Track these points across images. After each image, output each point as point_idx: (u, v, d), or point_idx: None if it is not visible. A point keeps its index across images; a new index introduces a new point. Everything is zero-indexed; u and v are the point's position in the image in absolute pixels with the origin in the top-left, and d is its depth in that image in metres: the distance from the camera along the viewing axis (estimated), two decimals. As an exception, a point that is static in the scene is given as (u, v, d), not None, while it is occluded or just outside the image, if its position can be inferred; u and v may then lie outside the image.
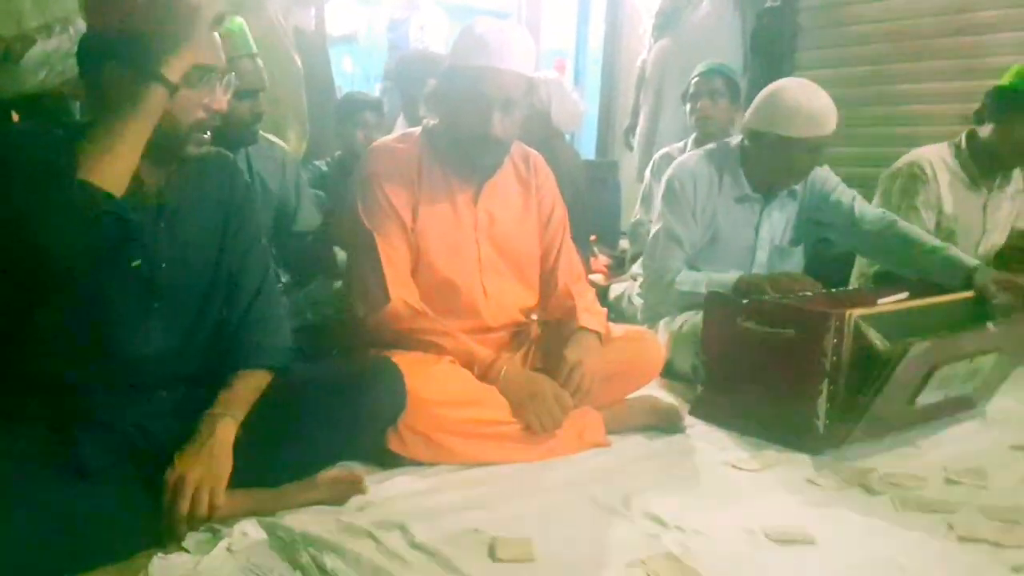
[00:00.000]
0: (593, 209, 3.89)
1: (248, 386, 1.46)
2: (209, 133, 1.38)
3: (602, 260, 4.03)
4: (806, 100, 2.29)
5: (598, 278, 3.71)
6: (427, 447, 1.68)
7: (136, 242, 1.35)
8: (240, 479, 1.39)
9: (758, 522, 1.53)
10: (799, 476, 1.79)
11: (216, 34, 1.34)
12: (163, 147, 1.34)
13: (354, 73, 6.17)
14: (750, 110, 2.43)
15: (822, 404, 1.91)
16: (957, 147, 2.69)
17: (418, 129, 1.97)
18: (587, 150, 5.47)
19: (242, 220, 1.53)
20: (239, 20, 2.07)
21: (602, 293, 3.32)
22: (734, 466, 1.83)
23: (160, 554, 1.26)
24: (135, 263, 1.36)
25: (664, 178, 2.56)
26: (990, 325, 2.04)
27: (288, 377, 1.53)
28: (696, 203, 2.44)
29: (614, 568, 1.36)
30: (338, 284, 2.26)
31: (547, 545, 1.41)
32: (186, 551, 1.30)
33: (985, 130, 2.60)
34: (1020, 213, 2.84)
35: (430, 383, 1.67)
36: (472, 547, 1.39)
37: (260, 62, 2.13)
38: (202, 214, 1.46)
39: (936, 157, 2.67)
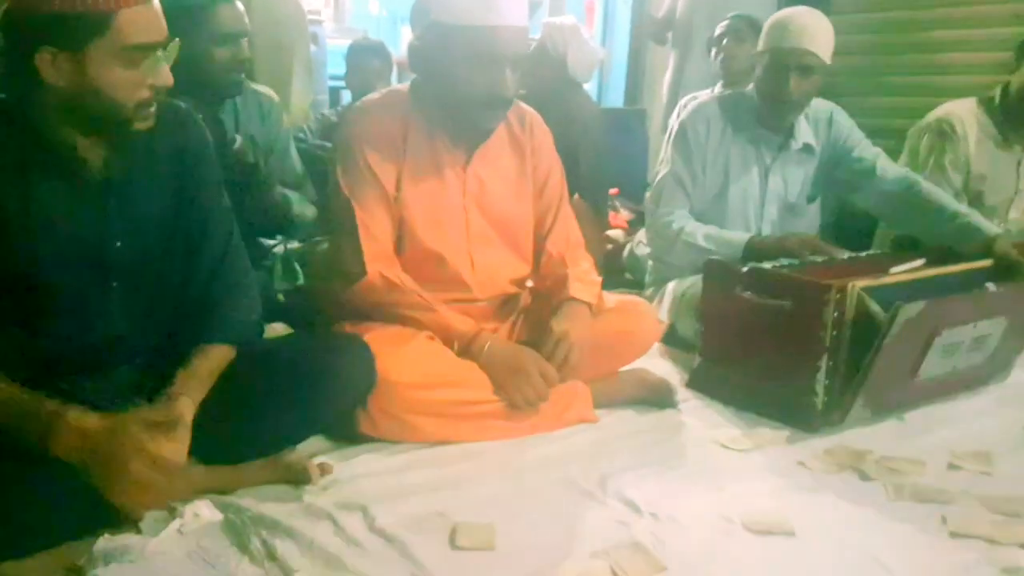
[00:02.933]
0: (617, 160, 3.78)
1: (208, 362, 1.41)
2: (154, 107, 1.31)
3: (624, 215, 3.92)
4: (796, 15, 2.23)
5: (617, 234, 3.62)
6: (399, 428, 1.63)
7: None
8: (200, 456, 1.37)
9: (738, 509, 1.47)
10: (790, 458, 1.72)
11: (155, 4, 1.27)
12: (106, 126, 1.29)
13: (380, 16, 6.05)
14: None
15: (820, 380, 1.83)
16: (990, 101, 2.51)
17: (406, 86, 1.88)
18: (615, 98, 5.30)
19: (199, 181, 1.46)
20: None
21: (619, 251, 3.25)
22: (723, 445, 1.77)
23: (107, 535, 1.25)
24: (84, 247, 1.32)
25: (677, 121, 2.45)
26: (990, 286, 1.91)
27: (252, 351, 1.49)
28: (707, 149, 2.34)
29: (577, 558, 1.32)
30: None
31: (511, 531, 1.37)
32: (138, 532, 1.29)
33: (1017, 81, 2.42)
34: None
35: (402, 364, 1.62)
36: (434, 531, 1.36)
37: (240, 5, 2.05)
38: (154, 181, 1.40)
39: (967, 112, 2.51)
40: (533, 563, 1.29)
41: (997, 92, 2.51)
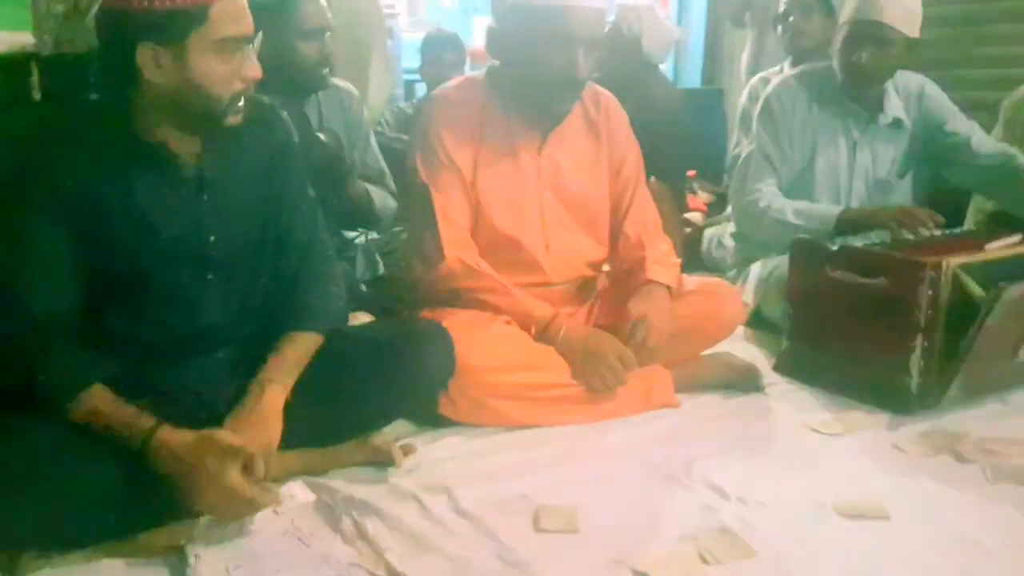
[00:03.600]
0: (695, 142, 3.72)
1: (297, 350, 1.45)
2: (243, 101, 1.35)
3: (702, 197, 3.85)
4: None
5: (697, 216, 3.56)
6: (479, 411, 1.65)
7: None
8: (291, 439, 1.41)
9: (830, 494, 1.44)
10: (884, 441, 1.66)
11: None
12: (201, 122, 1.33)
13: (452, 8, 6.08)
14: None
15: (915, 361, 1.76)
16: None
17: (481, 73, 1.89)
18: (692, 77, 5.20)
19: (286, 176, 1.49)
20: None
21: (697, 234, 3.19)
22: (813, 429, 1.72)
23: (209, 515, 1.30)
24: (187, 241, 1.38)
25: (761, 97, 2.41)
26: None
27: (338, 338, 1.52)
28: (793, 124, 2.29)
29: (663, 542, 1.31)
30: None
31: (595, 514, 1.37)
32: (236, 513, 1.33)
33: None
34: None
35: (481, 348, 1.63)
36: (517, 514, 1.37)
37: (323, 0, 2.09)
38: (244, 176, 1.44)
39: (1065, 81, 2.37)
40: (617, 546, 1.28)
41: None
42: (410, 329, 1.66)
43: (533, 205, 1.84)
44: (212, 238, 1.40)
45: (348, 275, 2.14)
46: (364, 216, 2.26)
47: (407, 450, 1.52)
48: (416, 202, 1.80)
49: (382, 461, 1.49)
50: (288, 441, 1.39)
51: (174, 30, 1.23)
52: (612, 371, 1.69)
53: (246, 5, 1.30)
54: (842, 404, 1.84)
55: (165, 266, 1.36)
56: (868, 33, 2.11)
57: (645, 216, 1.95)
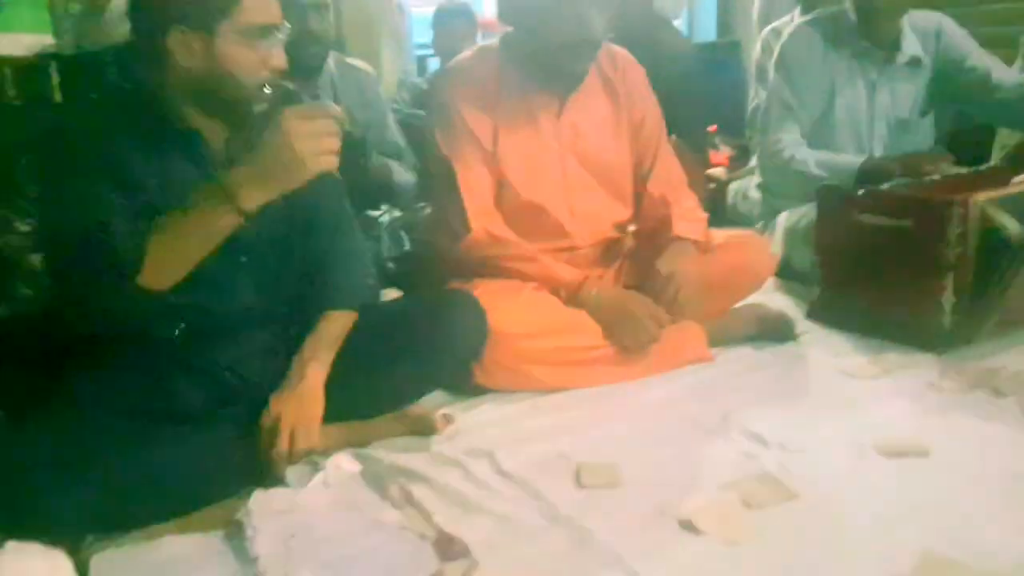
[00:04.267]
0: (713, 97, 3.69)
1: (333, 328, 1.49)
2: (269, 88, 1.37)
3: (724, 152, 3.82)
4: None
5: (719, 171, 3.54)
6: (514, 377, 1.66)
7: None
8: (334, 413, 1.45)
9: (869, 435, 1.44)
10: (921, 381, 1.66)
11: None
12: (229, 108, 1.36)
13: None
14: None
15: (948, 299, 1.76)
16: None
17: (495, 42, 1.89)
18: (707, 31, 5.14)
19: None
20: None
21: (721, 190, 3.18)
22: (849, 374, 1.73)
23: (260, 491, 1.33)
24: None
25: (776, 47, 2.39)
26: None
27: (372, 314, 1.55)
28: (810, 70, 2.28)
29: (705, 490, 1.32)
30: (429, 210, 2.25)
31: (635, 469, 1.39)
32: (287, 486, 1.37)
33: None
34: None
35: (512, 315, 1.65)
36: (559, 473, 1.39)
37: None
38: None
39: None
40: (660, 497, 1.30)
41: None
42: (441, 300, 1.68)
43: (555, 170, 1.84)
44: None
45: (375, 254, 2.17)
46: (384, 192, 2.28)
47: (448, 419, 1.54)
48: (438, 176, 1.81)
49: (423, 431, 1.52)
50: (331, 415, 1.43)
51: (206, 15, 1.27)
52: (645, 330, 1.70)
53: None
54: (877, 347, 1.84)
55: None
56: None
57: (669, 174, 1.95)
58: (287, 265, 1.52)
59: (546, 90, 1.83)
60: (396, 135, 2.41)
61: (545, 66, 1.79)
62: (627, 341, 1.71)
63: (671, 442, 1.49)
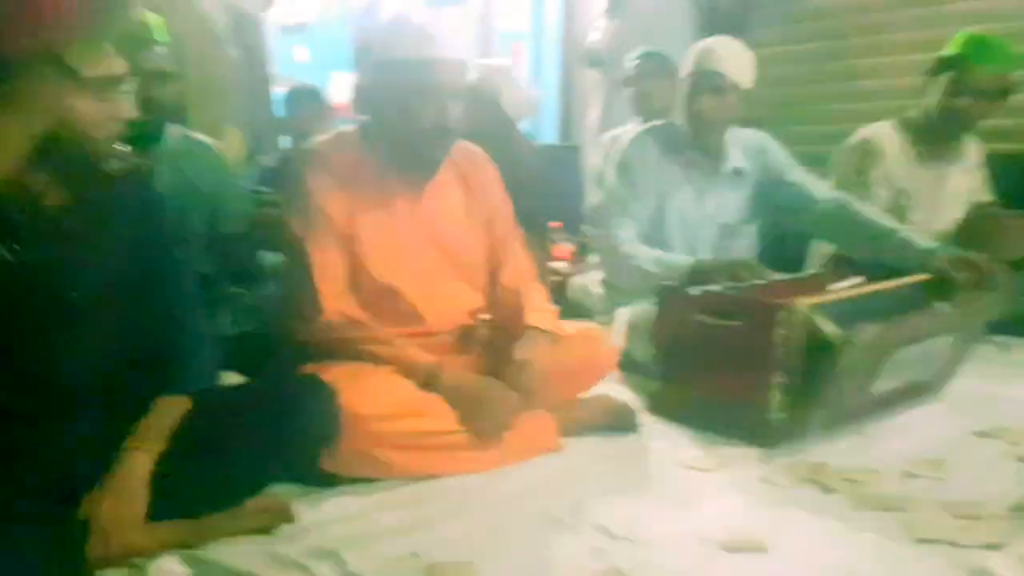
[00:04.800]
0: (554, 195, 3.84)
1: (164, 414, 1.37)
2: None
3: (567, 247, 3.97)
4: (711, 41, 2.40)
5: (563, 265, 3.66)
6: (366, 464, 1.60)
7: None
8: (164, 511, 1.32)
9: (711, 528, 1.48)
10: (753, 474, 1.74)
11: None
12: (78, 166, 1.27)
13: (311, 63, 6.04)
14: None
15: (775, 396, 1.86)
16: (907, 121, 2.67)
17: (353, 128, 1.89)
18: (549, 134, 5.38)
19: (151, 232, 1.44)
20: (154, 16, 1.97)
21: (563, 283, 3.27)
22: (689, 466, 1.78)
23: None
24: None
25: (615, 151, 2.53)
26: (939, 306, 2.00)
27: (209, 400, 1.44)
28: (647, 174, 2.43)
29: (558, 589, 1.31)
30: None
31: (489, 568, 1.35)
32: (103, 596, 1.23)
33: (929, 100, 2.58)
34: (977, 188, 2.81)
35: (366, 396, 1.59)
36: (408, 575, 1.33)
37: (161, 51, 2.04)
38: (109, 232, 1.37)
39: (887, 132, 2.67)
40: (514, 598, 1.27)
41: (916, 112, 2.65)
42: (286, 384, 1.60)
43: (412, 255, 1.83)
44: (74, 292, 1.32)
45: (217, 332, 2.06)
46: (234, 270, 2.19)
47: (290, 517, 1.45)
48: (292, 256, 1.76)
49: (267, 526, 1.41)
50: (160, 512, 1.31)
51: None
52: (499, 415, 1.69)
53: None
54: (711, 440, 1.92)
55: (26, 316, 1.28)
56: (707, 83, 2.31)
57: (521, 266, 1.99)
58: (124, 339, 1.40)
59: (404, 177, 1.84)
60: (244, 213, 2.34)
61: (403, 154, 1.81)
62: (482, 426, 1.69)
63: (524, 538, 1.46)
